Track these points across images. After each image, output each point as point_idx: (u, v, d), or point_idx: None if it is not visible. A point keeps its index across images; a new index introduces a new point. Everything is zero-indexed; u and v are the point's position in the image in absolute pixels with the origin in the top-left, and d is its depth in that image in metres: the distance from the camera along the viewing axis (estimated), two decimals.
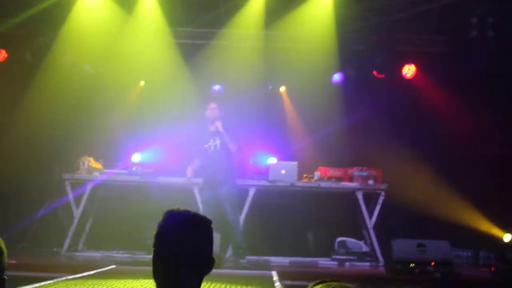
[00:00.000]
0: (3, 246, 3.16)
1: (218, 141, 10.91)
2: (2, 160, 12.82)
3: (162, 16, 12.85)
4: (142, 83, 14.38)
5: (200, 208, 11.11)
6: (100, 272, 8.70)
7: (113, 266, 9.64)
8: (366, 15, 12.94)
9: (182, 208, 3.03)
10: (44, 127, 13.17)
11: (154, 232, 2.95)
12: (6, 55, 13.32)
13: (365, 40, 13.32)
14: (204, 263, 2.94)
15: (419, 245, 10.68)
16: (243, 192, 11.85)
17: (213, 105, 11.13)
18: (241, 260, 10.77)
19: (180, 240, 2.88)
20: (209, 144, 10.98)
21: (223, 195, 10.86)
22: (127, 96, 14.13)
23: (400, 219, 12.65)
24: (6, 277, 3.13)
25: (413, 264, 10.55)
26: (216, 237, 10.99)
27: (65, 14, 12.66)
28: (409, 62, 13.61)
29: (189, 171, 11.19)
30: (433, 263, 10.53)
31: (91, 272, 8.40)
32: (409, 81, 13.72)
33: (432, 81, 13.65)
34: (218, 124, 10.78)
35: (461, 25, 13.09)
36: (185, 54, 13.58)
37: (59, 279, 7.42)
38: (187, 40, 13.68)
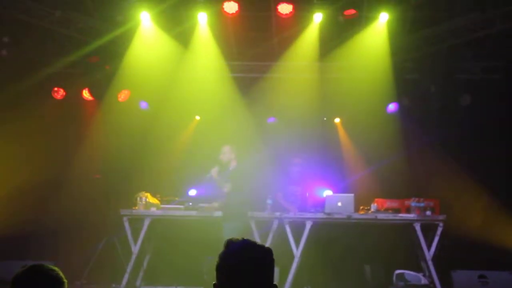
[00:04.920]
0: (62, 276, 3.22)
1: (230, 184, 11.57)
2: (61, 197, 12.98)
3: (217, 50, 12.94)
4: (197, 118, 14.48)
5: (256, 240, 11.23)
6: None
7: None
8: (420, 43, 12.86)
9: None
10: (102, 163, 13.34)
11: (215, 264, 2.95)
12: (64, 93, 13.55)
13: (420, 69, 13.22)
14: None
15: (480, 276, 10.51)
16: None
17: (225, 149, 11.72)
18: None
19: (250, 271, 2.88)
20: (224, 185, 11.58)
21: (232, 229, 11.18)
22: (183, 131, 14.23)
23: (459, 250, 12.41)
24: None
25: None
26: (275, 271, 10.98)
27: (121, 51, 12.86)
28: (465, 90, 13.43)
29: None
30: None
31: None
32: (466, 109, 13.53)
33: (487, 108, 13.46)
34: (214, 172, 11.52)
35: None
36: (239, 88, 13.66)
37: None
38: (241, 74, 13.76)
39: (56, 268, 3.27)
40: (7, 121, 12.66)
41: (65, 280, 3.26)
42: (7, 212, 12.27)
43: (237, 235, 10.18)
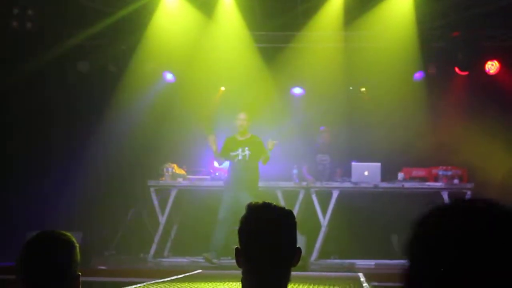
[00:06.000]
0: (74, 240, 3.22)
1: (247, 152, 11.37)
2: (88, 168, 13.05)
3: (241, 20, 12.88)
4: (222, 88, 14.45)
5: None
6: (187, 276, 8.79)
7: (200, 271, 9.72)
8: (447, 11, 12.71)
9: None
10: (128, 134, 13.36)
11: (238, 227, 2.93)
12: (89, 66, 13.54)
13: (447, 36, 13.07)
14: (293, 253, 2.91)
15: None
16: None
17: (243, 116, 11.51)
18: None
19: (271, 233, 2.86)
20: (237, 153, 11.40)
21: (245, 200, 10.94)
22: (209, 102, 14.21)
23: None
24: (80, 273, 3.17)
25: None
26: (302, 240, 10.99)
27: (145, 21, 12.85)
28: (492, 57, 13.29)
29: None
30: None
31: (179, 276, 8.49)
32: (493, 77, 13.39)
33: None
34: (272, 143, 11.28)
35: None
36: (264, 58, 13.60)
37: (149, 283, 7.51)
38: (265, 44, 13.68)
39: (68, 233, 3.26)
40: (33, 94, 12.72)
41: (77, 244, 3.25)
42: (34, 184, 12.38)
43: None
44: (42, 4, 12.51)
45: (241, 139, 11.55)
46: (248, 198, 10.94)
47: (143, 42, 13.01)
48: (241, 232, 2.93)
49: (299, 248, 2.93)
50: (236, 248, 2.92)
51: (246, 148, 11.41)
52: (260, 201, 2.98)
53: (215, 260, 11.06)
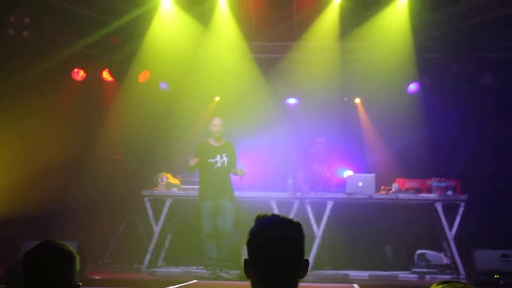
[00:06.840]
0: (74, 251, 3.23)
1: (225, 158, 11.31)
2: (83, 178, 13.03)
3: (237, 30, 12.89)
4: (217, 98, 14.45)
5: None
6: (183, 286, 8.78)
7: (195, 281, 9.70)
8: (442, 22, 12.75)
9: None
10: (122, 144, 13.36)
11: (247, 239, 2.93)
12: (84, 75, 13.56)
13: (441, 48, 13.11)
14: (302, 264, 2.90)
15: (503, 255, 10.44)
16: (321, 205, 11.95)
17: (218, 121, 11.41)
18: (225, 274, 10.88)
19: (282, 245, 2.85)
20: (216, 159, 11.31)
21: (228, 207, 11.09)
22: (203, 112, 14.18)
23: (481, 230, 12.36)
24: (80, 283, 3.18)
25: (498, 275, 10.31)
26: None
27: (141, 31, 12.83)
28: (486, 69, 13.32)
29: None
30: None
31: (175, 287, 8.49)
32: (486, 88, 13.42)
33: (509, 87, 13.36)
34: (241, 171, 11.21)
35: None
36: (259, 68, 13.60)
37: None
38: (261, 55, 13.68)
39: (67, 244, 3.28)
40: (28, 103, 12.69)
41: (77, 255, 3.26)
42: (29, 193, 12.34)
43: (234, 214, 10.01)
44: (39, 13, 12.51)
45: (217, 145, 11.43)
46: (231, 206, 10.96)
47: (139, 52, 12.99)
48: (250, 244, 2.92)
49: (306, 259, 2.93)
50: (245, 260, 2.91)
51: (224, 155, 11.31)
52: (269, 213, 2.98)
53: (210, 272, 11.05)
